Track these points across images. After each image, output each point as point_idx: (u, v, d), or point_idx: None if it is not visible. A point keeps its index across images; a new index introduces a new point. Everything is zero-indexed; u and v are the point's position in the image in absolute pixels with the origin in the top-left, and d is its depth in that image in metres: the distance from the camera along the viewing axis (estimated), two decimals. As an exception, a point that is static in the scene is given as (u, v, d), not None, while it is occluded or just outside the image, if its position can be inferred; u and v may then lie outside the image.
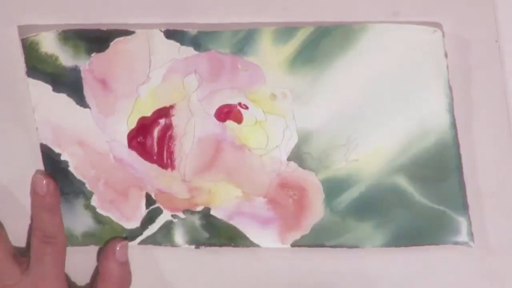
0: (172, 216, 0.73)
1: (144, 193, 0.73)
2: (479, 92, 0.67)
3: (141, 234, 0.74)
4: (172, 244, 0.73)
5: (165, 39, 0.69)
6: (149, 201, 0.73)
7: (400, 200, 0.69)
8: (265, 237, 0.72)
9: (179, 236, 0.73)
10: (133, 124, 0.71)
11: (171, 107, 0.70)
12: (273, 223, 0.72)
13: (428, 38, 0.66)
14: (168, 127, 0.71)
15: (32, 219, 0.73)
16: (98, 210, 0.73)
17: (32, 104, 0.71)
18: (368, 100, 0.68)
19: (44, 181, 0.72)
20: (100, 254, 0.75)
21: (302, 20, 0.67)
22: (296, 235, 0.72)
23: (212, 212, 0.72)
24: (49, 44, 0.70)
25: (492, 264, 0.70)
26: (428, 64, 0.66)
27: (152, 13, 0.69)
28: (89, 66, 0.70)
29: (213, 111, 0.70)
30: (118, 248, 0.73)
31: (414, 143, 0.68)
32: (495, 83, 0.67)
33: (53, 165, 0.73)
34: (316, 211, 0.71)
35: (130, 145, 0.72)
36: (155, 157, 0.72)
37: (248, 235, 0.72)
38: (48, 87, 0.71)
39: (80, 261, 0.75)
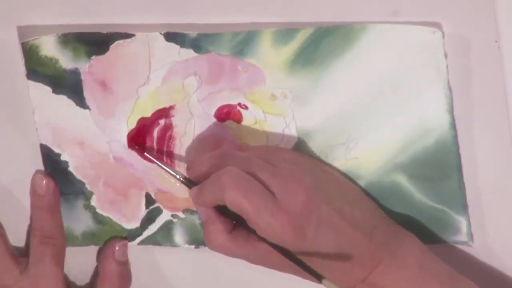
0: (172, 216, 0.73)
1: (144, 193, 0.73)
2: (479, 92, 0.67)
3: (141, 234, 0.74)
4: (172, 244, 0.73)
5: (165, 41, 0.68)
6: (149, 201, 0.73)
7: (400, 198, 0.69)
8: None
9: (179, 236, 0.73)
10: (133, 125, 0.71)
11: (171, 107, 0.70)
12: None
13: (428, 38, 0.66)
14: (168, 127, 0.71)
15: (31, 219, 0.73)
16: (98, 210, 0.73)
17: (32, 105, 0.71)
18: (367, 99, 0.68)
19: (44, 181, 0.72)
20: (99, 254, 0.75)
21: (302, 21, 0.67)
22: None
23: (212, 212, 0.72)
24: (49, 47, 0.70)
25: (492, 264, 0.70)
26: (428, 64, 0.66)
27: (152, 13, 0.68)
28: (89, 68, 0.70)
29: (213, 111, 0.70)
30: (117, 248, 0.73)
31: (414, 143, 0.68)
32: (495, 83, 0.67)
33: (53, 166, 0.73)
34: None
35: (130, 145, 0.72)
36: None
37: (248, 235, 0.72)
38: (48, 89, 0.71)
39: (80, 261, 0.75)
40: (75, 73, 0.70)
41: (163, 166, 0.70)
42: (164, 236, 0.73)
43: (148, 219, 0.73)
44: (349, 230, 0.64)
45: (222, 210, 0.66)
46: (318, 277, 0.63)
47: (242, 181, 0.64)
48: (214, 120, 0.70)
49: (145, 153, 0.71)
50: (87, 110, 0.71)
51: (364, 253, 0.65)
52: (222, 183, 0.64)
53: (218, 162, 0.66)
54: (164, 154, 0.71)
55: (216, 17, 0.68)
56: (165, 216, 0.73)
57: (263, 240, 0.64)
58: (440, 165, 0.68)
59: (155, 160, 0.70)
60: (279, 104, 0.69)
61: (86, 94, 0.71)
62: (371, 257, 0.65)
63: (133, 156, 0.72)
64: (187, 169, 0.70)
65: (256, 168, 0.65)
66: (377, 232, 0.66)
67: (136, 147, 0.71)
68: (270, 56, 0.68)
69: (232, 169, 0.64)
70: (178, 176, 0.70)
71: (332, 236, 0.64)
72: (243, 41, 0.68)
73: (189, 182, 0.69)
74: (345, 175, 0.70)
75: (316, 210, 0.64)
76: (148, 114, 0.71)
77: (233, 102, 0.70)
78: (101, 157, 0.72)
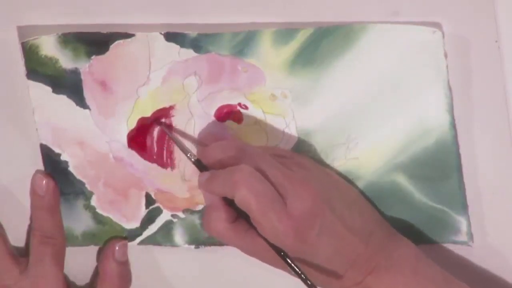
0: (172, 216, 0.73)
1: (144, 193, 0.73)
2: (479, 92, 0.67)
3: (141, 234, 0.74)
4: (172, 244, 0.73)
5: (165, 41, 0.68)
6: (149, 201, 0.73)
7: (400, 198, 0.69)
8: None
9: (179, 236, 0.73)
10: (133, 125, 0.71)
11: (171, 107, 0.70)
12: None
13: (428, 38, 0.66)
14: (168, 127, 0.71)
15: (31, 219, 0.73)
16: (98, 210, 0.73)
17: (32, 105, 0.71)
18: (367, 99, 0.68)
19: (44, 181, 0.72)
20: (99, 254, 0.75)
21: (302, 21, 0.67)
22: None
23: (212, 211, 0.72)
24: (49, 47, 0.70)
25: (492, 264, 0.70)
26: (428, 64, 0.67)
27: (152, 13, 0.68)
28: (89, 68, 0.70)
29: (213, 111, 0.70)
30: (117, 248, 0.73)
31: (414, 143, 0.68)
32: (495, 83, 0.67)
33: (53, 166, 0.72)
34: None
35: (130, 145, 0.72)
36: (154, 157, 0.72)
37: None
38: (48, 89, 0.71)
39: (80, 261, 0.75)
40: (75, 73, 0.70)
41: (177, 140, 0.70)
42: (164, 236, 0.73)
43: (148, 219, 0.73)
44: (348, 236, 0.65)
45: (228, 200, 0.66)
46: (311, 287, 0.64)
47: (255, 181, 0.64)
48: (214, 120, 0.70)
49: (163, 125, 0.70)
50: (87, 110, 0.71)
51: (360, 257, 0.65)
52: (235, 179, 0.64)
53: (233, 154, 0.66)
54: (164, 153, 0.71)
55: (216, 17, 0.68)
56: (165, 216, 0.73)
57: (263, 238, 0.64)
58: (440, 165, 0.68)
59: (170, 135, 0.70)
60: (279, 104, 0.69)
61: (86, 94, 0.71)
62: (366, 261, 0.65)
63: (133, 156, 0.72)
64: (199, 151, 0.70)
65: (269, 165, 0.65)
66: (374, 237, 0.66)
67: (161, 122, 0.71)
68: (270, 56, 0.68)
69: (247, 167, 0.64)
70: (189, 155, 0.69)
71: (331, 242, 0.64)
72: (243, 41, 0.68)
73: (200, 165, 0.69)
74: (344, 176, 0.70)
75: (320, 217, 0.64)
76: (148, 114, 0.71)
77: (233, 102, 0.70)
78: (101, 157, 0.72)
